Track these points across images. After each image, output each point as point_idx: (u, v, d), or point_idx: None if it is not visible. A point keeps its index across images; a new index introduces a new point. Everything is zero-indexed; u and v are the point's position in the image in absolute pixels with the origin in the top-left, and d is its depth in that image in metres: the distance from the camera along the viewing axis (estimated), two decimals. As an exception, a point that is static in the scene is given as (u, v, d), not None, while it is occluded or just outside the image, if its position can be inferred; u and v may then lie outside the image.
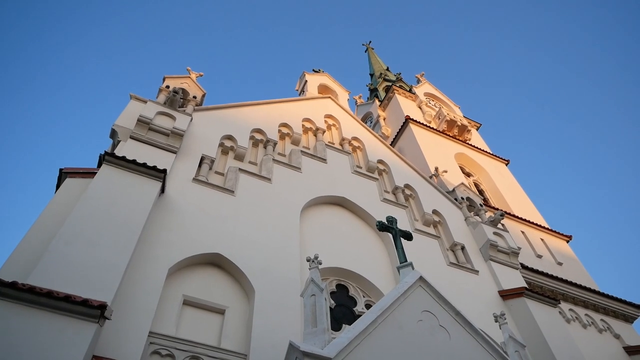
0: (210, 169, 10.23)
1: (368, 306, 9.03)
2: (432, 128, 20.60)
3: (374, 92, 30.61)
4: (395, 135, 20.65)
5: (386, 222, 7.95)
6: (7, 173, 47.35)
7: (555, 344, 9.55)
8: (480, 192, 18.94)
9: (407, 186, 13.53)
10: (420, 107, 23.48)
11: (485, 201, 17.91)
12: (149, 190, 7.84)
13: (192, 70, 12.86)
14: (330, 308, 8.60)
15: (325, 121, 15.00)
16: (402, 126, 20.46)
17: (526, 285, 11.56)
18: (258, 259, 8.35)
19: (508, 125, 67.15)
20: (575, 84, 61.90)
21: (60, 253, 6.08)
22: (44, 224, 6.93)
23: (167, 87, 11.63)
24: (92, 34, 56.49)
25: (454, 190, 14.38)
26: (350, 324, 8.11)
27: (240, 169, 10.39)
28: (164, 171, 8.25)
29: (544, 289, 13.09)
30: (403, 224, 11.66)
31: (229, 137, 11.42)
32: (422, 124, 20.55)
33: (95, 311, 5.31)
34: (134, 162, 8.03)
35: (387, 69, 32.79)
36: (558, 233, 17.06)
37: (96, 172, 7.77)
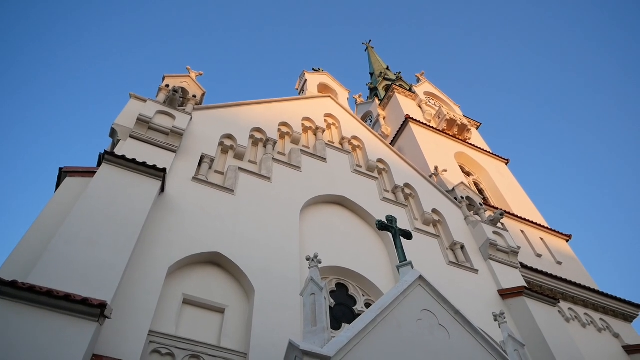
0: (210, 168, 10.23)
1: (368, 305, 9.04)
2: (432, 127, 20.60)
3: (373, 91, 30.60)
4: (395, 135, 20.65)
5: (386, 221, 7.96)
6: (7, 172, 47.37)
7: (554, 343, 9.55)
8: (480, 191, 18.96)
9: (406, 185, 13.53)
10: (420, 106, 23.48)
11: (485, 200, 17.92)
12: (148, 189, 7.85)
13: (192, 69, 12.86)
14: (330, 307, 8.61)
15: (325, 120, 15.00)
16: (402, 125, 20.46)
17: (526, 285, 11.57)
18: (258, 258, 8.36)
19: (508, 124, 67.21)
20: (575, 84, 61.94)
21: (60, 252, 6.08)
22: (44, 223, 6.93)
23: (167, 86, 11.63)
24: (92, 34, 56.51)
25: (453, 189, 14.39)
26: (349, 322, 8.12)
27: (240, 168, 10.39)
28: (164, 170, 8.26)
29: (543, 288, 13.10)
30: (403, 223, 11.67)
31: (229, 136, 11.43)
32: (422, 123, 20.54)
33: (95, 310, 5.31)
34: (133, 161, 8.04)
35: (387, 68, 32.78)
36: (557, 232, 17.07)
37: (96, 171, 7.78)
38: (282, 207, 9.94)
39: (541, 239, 16.28)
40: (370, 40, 37.73)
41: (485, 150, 21.16)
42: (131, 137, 9.34)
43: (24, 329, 4.94)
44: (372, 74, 33.68)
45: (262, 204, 9.73)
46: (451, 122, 21.66)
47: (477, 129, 23.83)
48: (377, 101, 25.33)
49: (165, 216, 8.14)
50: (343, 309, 8.91)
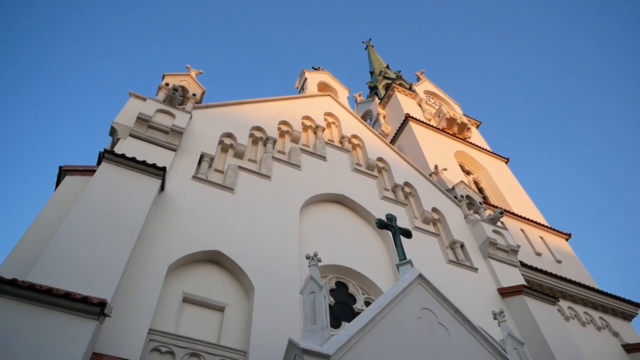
0: (210, 166, 10.23)
1: (367, 303, 9.05)
2: (432, 126, 20.59)
3: (373, 90, 30.58)
4: (395, 133, 20.64)
5: (386, 220, 7.96)
6: (7, 171, 47.37)
7: (554, 342, 9.56)
8: (480, 190, 18.97)
9: (406, 184, 13.53)
10: (420, 105, 23.47)
11: (485, 199, 17.92)
12: (148, 188, 7.85)
13: (192, 67, 12.85)
14: (330, 305, 8.61)
15: (325, 119, 15.00)
16: (402, 124, 20.45)
17: (525, 283, 11.57)
18: (257, 256, 8.36)
19: (508, 123, 67.19)
20: (575, 83, 61.92)
21: (60, 250, 6.09)
22: (44, 221, 6.93)
23: (167, 84, 11.63)
24: (92, 33, 56.45)
25: (453, 188, 14.39)
26: (349, 321, 8.14)
27: (239, 167, 10.39)
28: (164, 169, 8.26)
29: (543, 286, 13.11)
30: (402, 222, 11.67)
31: (229, 135, 11.42)
32: (422, 121, 20.53)
33: (95, 308, 5.32)
34: (133, 159, 8.04)
35: (387, 67, 32.76)
36: (557, 231, 17.08)
37: (96, 170, 7.78)
38: (282, 205, 9.95)
39: (541, 237, 16.29)
40: (370, 39, 37.73)
41: (485, 149, 21.16)
42: (131, 135, 9.34)
43: (24, 327, 4.94)
44: (372, 73, 33.66)
45: (262, 203, 9.73)
46: (451, 121, 21.65)
47: (477, 127, 23.83)
48: (377, 100, 25.32)
49: (165, 215, 8.14)
50: (343, 308, 8.92)
